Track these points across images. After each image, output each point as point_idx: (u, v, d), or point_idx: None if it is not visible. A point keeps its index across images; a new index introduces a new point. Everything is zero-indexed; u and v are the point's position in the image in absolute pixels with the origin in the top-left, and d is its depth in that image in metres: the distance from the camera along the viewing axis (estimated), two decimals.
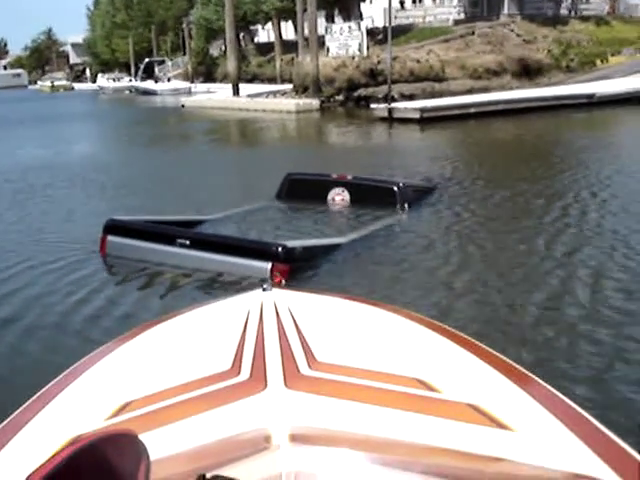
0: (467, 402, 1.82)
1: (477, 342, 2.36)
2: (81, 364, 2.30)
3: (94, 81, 75.68)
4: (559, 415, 1.81)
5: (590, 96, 23.83)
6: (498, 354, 2.27)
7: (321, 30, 33.38)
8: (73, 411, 1.97)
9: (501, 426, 1.72)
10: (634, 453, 1.66)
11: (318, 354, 2.04)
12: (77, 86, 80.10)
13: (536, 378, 2.11)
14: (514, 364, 2.21)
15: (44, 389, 2.15)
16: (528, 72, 31.21)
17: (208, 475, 1.10)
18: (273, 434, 1.55)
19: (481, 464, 1.56)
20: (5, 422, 1.97)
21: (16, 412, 2.03)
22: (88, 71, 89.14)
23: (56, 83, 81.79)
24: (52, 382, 2.19)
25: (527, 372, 2.16)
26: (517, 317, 5.69)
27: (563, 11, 41.47)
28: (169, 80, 55.37)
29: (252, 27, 53.16)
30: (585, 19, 39.98)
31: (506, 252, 7.49)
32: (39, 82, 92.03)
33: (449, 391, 1.88)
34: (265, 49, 48.78)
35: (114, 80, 66.70)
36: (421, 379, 1.92)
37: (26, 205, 11.49)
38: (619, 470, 1.54)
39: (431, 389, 1.88)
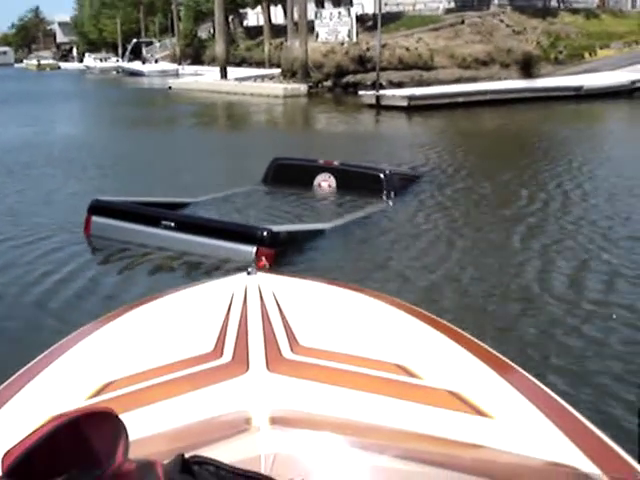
0: (447, 389, 1.83)
1: (459, 329, 2.37)
2: (63, 344, 2.29)
3: (81, 61, 75.19)
4: (538, 404, 1.82)
5: (578, 89, 23.90)
6: (479, 342, 2.28)
7: (311, 15, 33.27)
8: (54, 390, 1.96)
9: (480, 413, 1.72)
10: (611, 443, 1.67)
11: (301, 338, 2.03)
12: (63, 65, 79.60)
13: (516, 367, 2.12)
14: (495, 352, 2.22)
15: (25, 368, 2.14)
16: (525, 66, 31.19)
17: (187, 455, 1.09)
18: (253, 416, 1.55)
19: (460, 450, 1.56)
20: None
21: None
22: (75, 50, 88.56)
23: (42, 62, 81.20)
24: (33, 361, 2.19)
25: (508, 361, 2.17)
26: (498, 304, 5.75)
27: (553, 3, 41.47)
28: (156, 61, 55.10)
29: (241, 10, 52.87)
30: (575, 12, 39.99)
31: (490, 240, 7.55)
32: (25, 60, 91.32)
33: (430, 378, 1.88)
34: (254, 33, 48.54)
35: (101, 60, 66.28)
36: (402, 365, 1.92)
37: (4, 186, 11.38)
38: (596, 459, 1.55)
39: (412, 375, 1.88)
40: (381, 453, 1.41)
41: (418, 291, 5.95)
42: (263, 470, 1.23)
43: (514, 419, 1.75)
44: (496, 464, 1.52)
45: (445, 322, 2.45)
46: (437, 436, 1.58)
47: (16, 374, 2.11)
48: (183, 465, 1.07)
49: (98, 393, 1.84)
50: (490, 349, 2.24)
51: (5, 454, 0.95)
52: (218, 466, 1.07)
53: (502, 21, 35.70)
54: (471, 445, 1.57)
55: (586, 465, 1.52)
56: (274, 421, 1.52)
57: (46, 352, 2.25)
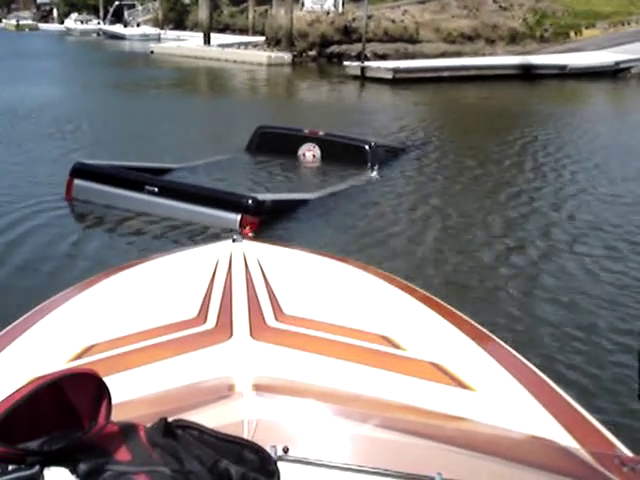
0: (430, 361, 1.84)
1: (443, 303, 2.39)
2: (44, 306, 2.29)
3: (61, 22, 74.07)
4: (520, 377, 1.84)
5: (562, 67, 23.91)
6: (463, 315, 2.30)
7: None
8: (35, 352, 1.96)
9: (462, 386, 1.74)
10: (590, 417, 1.70)
11: (285, 307, 2.04)
12: (43, 26, 78.34)
13: (499, 341, 2.15)
14: (479, 326, 2.25)
15: (5, 330, 2.14)
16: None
17: (170, 419, 1.08)
18: (237, 382, 1.56)
19: (441, 421, 1.57)
20: None
21: None
22: (55, 11, 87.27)
23: (21, 22, 79.93)
24: (14, 323, 2.18)
25: (491, 335, 2.20)
26: (477, 276, 5.83)
27: None
28: (138, 25, 54.41)
29: None
30: None
31: (473, 212, 7.63)
32: (4, 20, 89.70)
33: (413, 349, 1.90)
34: None
35: (82, 22, 65.31)
36: (386, 336, 1.94)
37: None
38: (576, 433, 1.57)
39: (396, 346, 1.89)
40: (363, 422, 1.41)
41: (401, 261, 6.01)
42: (245, 435, 1.24)
43: (495, 392, 1.78)
44: (477, 435, 1.53)
45: (429, 295, 2.47)
46: (419, 407, 1.59)
47: None
48: (166, 429, 1.07)
49: (80, 356, 1.83)
50: (473, 322, 2.27)
51: None
52: (201, 430, 1.07)
53: None
54: (452, 417, 1.59)
55: (565, 439, 1.54)
56: (257, 388, 1.53)
57: (27, 315, 2.24)
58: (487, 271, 5.92)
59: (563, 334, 4.69)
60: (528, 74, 22.89)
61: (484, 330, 2.22)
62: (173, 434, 1.06)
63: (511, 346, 2.12)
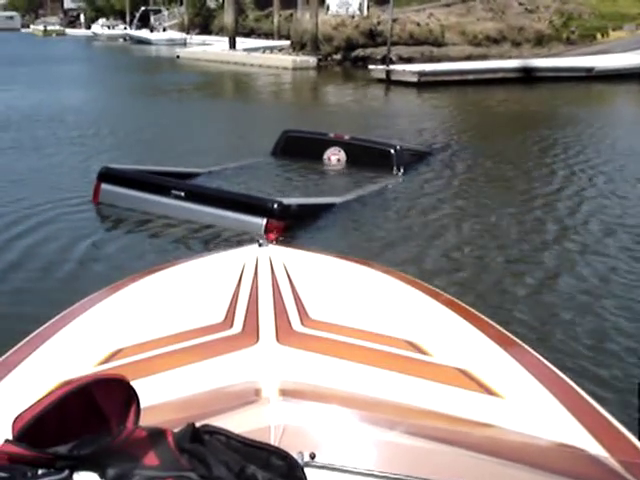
0: (457, 367, 1.83)
1: (467, 306, 2.37)
2: (72, 310, 2.29)
3: (88, 27, 74.63)
4: (547, 384, 1.82)
5: (589, 69, 23.69)
6: (489, 320, 2.28)
7: None
8: (64, 355, 1.96)
9: (489, 392, 1.72)
10: (619, 425, 1.67)
11: (311, 311, 2.04)
12: (70, 32, 79.07)
13: (526, 347, 2.12)
14: (505, 332, 2.22)
15: (34, 333, 2.15)
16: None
17: (197, 424, 1.09)
18: (263, 387, 1.55)
19: (468, 428, 1.56)
20: None
21: (7, 354, 2.02)
22: (82, 17, 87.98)
23: (49, 28, 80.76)
24: (43, 327, 2.19)
25: (518, 340, 2.17)
26: (508, 282, 5.74)
27: None
28: (164, 30, 54.67)
29: None
30: None
31: (499, 216, 7.54)
32: (32, 26, 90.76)
33: (439, 355, 1.88)
34: (264, 4, 47.98)
35: (109, 27, 65.81)
36: (412, 341, 1.93)
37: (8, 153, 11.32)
38: (604, 441, 1.54)
39: (422, 352, 1.88)
40: (389, 428, 1.41)
41: (427, 266, 5.96)
42: (272, 441, 1.24)
43: (522, 398, 1.75)
44: (504, 443, 1.52)
45: (455, 299, 2.45)
46: (445, 413, 1.58)
47: (25, 339, 2.11)
48: (194, 434, 1.07)
49: (107, 360, 1.84)
50: (500, 327, 2.25)
51: (16, 418, 0.95)
52: (228, 436, 1.07)
53: None
54: (479, 423, 1.58)
55: (593, 447, 1.51)
56: (283, 393, 1.52)
57: (55, 318, 2.25)
58: (518, 276, 5.84)
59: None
60: (554, 76, 22.71)
61: (509, 334, 2.20)
62: (201, 439, 1.06)
63: (538, 351, 2.10)
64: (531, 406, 1.72)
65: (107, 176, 7.78)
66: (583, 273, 5.86)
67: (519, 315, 4.91)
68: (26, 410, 0.96)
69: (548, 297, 5.37)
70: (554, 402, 1.73)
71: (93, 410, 1.01)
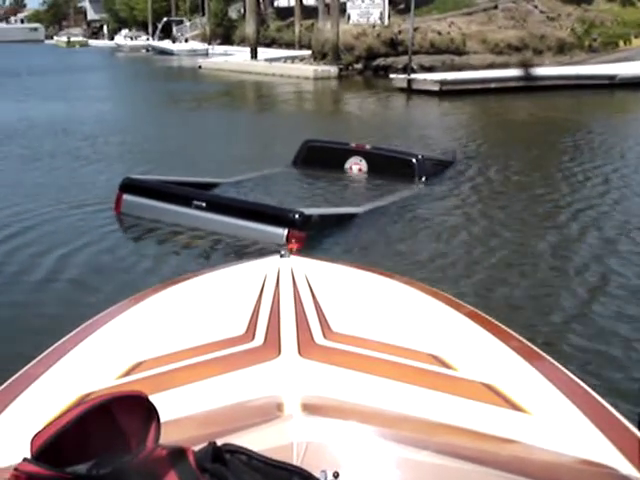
0: (482, 381, 1.80)
1: (490, 318, 2.33)
2: (92, 322, 2.29)
3: (111, 38, 75.38)
4: (575, 399, 1.79)
5: (612, 77, 23.54)
6: (515, 334, 2.24)
7: None
8: (84, 368, 1.96)
9: (516, 408, 1.69)
10: None
11: (333, 324, 2.01)
12: (93, 43, 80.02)
13: (553, 361, 2.08)
14: (531, 345, 2.18)
15: (55, 346, 2.14)
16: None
17: (219, 442, 1.07)
18: (285, 403, 1.53)
19: (494, 445, 1.53)
20: (17, 375, 1.97)
21: (28, 366, 2.02)
22: (105, 28, 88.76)
23: (72, 39, 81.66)
24: (63, 339, 2.19)
25: (544, 354, 2.13)
26: (530, 295, 5.65)
27: None
28: (187, 41, 55.06)
29: None
30: None
31: (523, 229, 7.45)
32: (55, 37, 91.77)
33: (464, 369, 1.85)
34: (284, 14, 48.27)
35: (131, 38, 66.37)
36: (436, 355, 1.90)
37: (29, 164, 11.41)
38: (633, 459, 1.51)
39: (446, 366, 1.85)
40: (414, 446, 1.38)
41: (450, 278, 5.89)
42: (295, 459, 1.21)
43: (550, 414, 1.72)
44: (531, 461, 1.48)
45: (478, 311, 2.41)
46: (471, 429, 1.55)
47: (46, 352, 2.11)
48: (215, 453, 1.04)
49: (128, 373, 1.83)
50: (525, 341, 2.20)
51: (34, 437, 0.93)
52: (250, 455, 1.05)
53: (536, 7, 35.22)
54: (506, 440, 1.54)
55: (623, 465, 1.48)
56: (306, 408, 1.50)
57: (76, 330, 2.24)
58: (539, 296, 5.71)
59: None
60: (577, 84, 22.58)
61: (534, 347, 2.17)
62: (222, 459, 1.04)
63: (564, 365, 2.07)
64: (558, 422, 1.69)
65: (129, 186, 7.82)
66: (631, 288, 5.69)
67: (556, 333, 4.83)
68: (44, 428, 0.95)
69: (591, 316, 5.23)
70: (582, 418, 1.70)
71: (112, 428, 1.00)
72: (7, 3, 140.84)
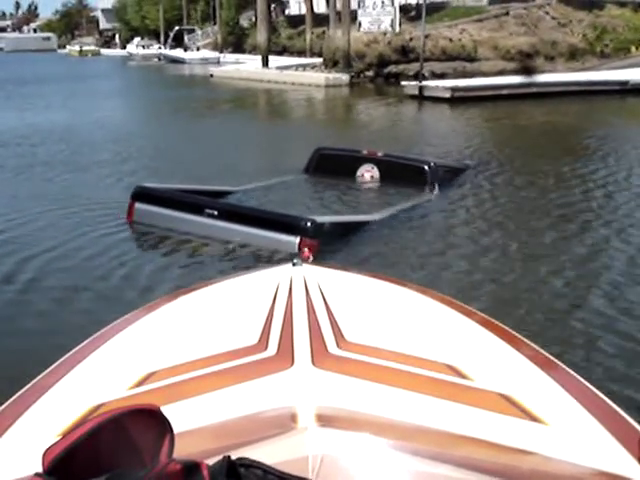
0: (499, 392, 1.77)
1: (504, 326, 2.31)
2: (105, 332, 2.28)
3: (123, 47, 75.85)
4: (593, 410, 1.75)
5: (624, 83, 23.49)
6: (531, 343, 2.21)
7: (353, 4, 33.07)
8: (96, 378, 1.94)
9: (533, 419, 1.66)
10: None
11: (347, 333, 1.98)
12: (105, 52, 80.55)
13: (570, 371, 2.05)
14: (548, 355, 2.15)
15: (66, 356, 2.13)
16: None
17: (233, 456, 1.04)
18: (300, 414, 1.50)
19: (512, 457, 1.50)
20: (28, 386, 1.95)
21: (40, 376, 2.01)
22: (117, 37, 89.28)
23: (84, 48, 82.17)
24: (75, 349, 2.17)
25: (561, 364, 2.10)
26: (546, 304, 5.61)
27: None
28: (198, 49, 55.33)
29: None
30: (622, 4, 39.25)
31: (536, 237, 7.42)
32: (68, 46, 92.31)
33: (481, 379, 1.82)
34: (296, 22, 48.43)
35: (143, 47, 66.71)
36: (452, 365, 1.87)
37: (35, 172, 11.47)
38: None
39: (462, 376, 1.83)
40: (432, 459, 1.35)
41: (464, 286, 5.86)
42: (310, 472, 1.19)
43: (568, 426, 1.69)
44: (550, 472, 1.46)
45: (492, 319, 2.38)
46: (488, 441, 1.52)
47: (57, 362, 2.09)
48: (229, 467, 1.02)
49: (140, 383, 1.81)
50: (542, 351, 2.17)
51: (46, 451, 0.92)
52: (265, 469, 1.03)
53: (547, 13, 35.18)
54: (523, 452, 1.51)
55: None
56: (321, 419, 1.46)
57: (87, 340, 2.23)
58: (555, 304, 5.68)
59: None
60: (588, 90, 22.52)
61: (549, 356, 2.14)
62: (237, 473, 1.03)
63: (581, 375, 2.04)
64: (576, 433, 1.66)
65: (141, 195, 7.84)
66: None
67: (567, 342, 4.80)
68: (56, 443, 0.93)
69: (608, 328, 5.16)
70: (600, 429, 1.67)
71: (125, 442, 0.98)
72: (20, 13, 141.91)
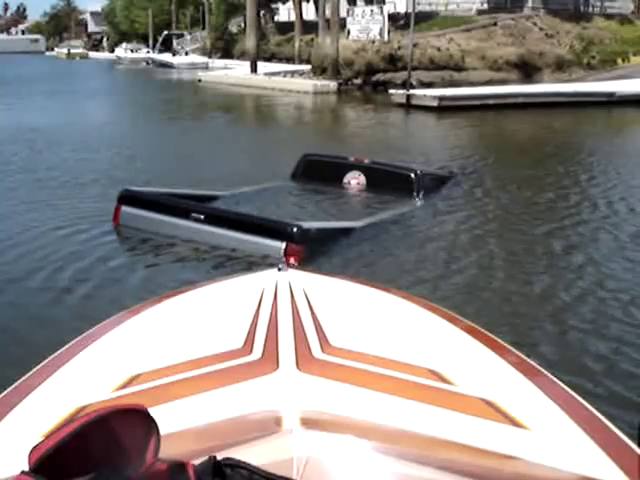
0: (481, 397, 1.78)
1: (488, 333, 2.32)
2: (89, 334, 2.28)
3: (112, 51, 75.67)
4: (574, 416, 1.77)
5: (610, 94, 23.64)
6: (513, 349, 2.23)
7: (342, 12, 33.17)
8: (81, 380, 1.94)
9: (515, 424, 1.68)
10: None
11: (332, 338, 2.00)
12: (93, 55, 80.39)
13: (551, 377, 2.07)
14: (529, 361, 2.17)
15: (51, 357, 2.13)
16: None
17: (219, 457, 1.06)
18: (284, 417, 1.51)
19: (494, 461, 1.52)
20: (12, 387, 1.95)
21: (24, 377, 2.01)
22: (105, 41, 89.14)
23: (72, 51, 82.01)
24: (60, 350, 2.17)
25: (542, 370, 2.12)
26: (528, 309, 5.66)
27: (587, 8, 41.08)
28: (187, 54, 55.31)
29: (273, 5, 52.91)
30: (609, 17, 39.61)
31: (520, 244, 7.46)
32: (56, 49, 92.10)
33: (463, 384, 1.84)
34: (285, 28, 48.52)
35: (132, 51, 66.62)
36: (435, 370, 1.89)
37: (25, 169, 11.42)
38: (633, 476, 1.49)
39: (445, 381, 1.84)
40: (414, 461, 1.36)
41: (447, 293, 5.88)
42: (295, 474, 1.20)
43: (549, 431, 1.70)
44: (531, 477, 1.48)
45: (474, 325, 2.40)
46: (471, 445, 1.53)
47: (42, 363, 2.09)
48: (215, 467, 1.04)
49: (125, 385, 1.81)
50: (524, 357, 2.19)
51: (32, 449, 0.92)
52: (250, 470, 1.04)
53: (535, 24, 35.43)
54: (505, 456, 1.53)
55: None
56: (306, 422, 1.48)
57: (73, 342, 2.23)
58: (538, 310, 5.71)
59: None
60: (575, 102, 22.66)
61: (532, 362, 2.16)
62: (222, 473, 1.04)
63: (562, 380, 2.06)
64: (557, 438, 1.68)
65: (127, 198, 7.82)
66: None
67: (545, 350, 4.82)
68: (43, 441, 0.93)
69: (580, 335, 5.20)
70: (581, 434, 1.69)
71: (112, 441, 0.98)
72: (8, 14, 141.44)
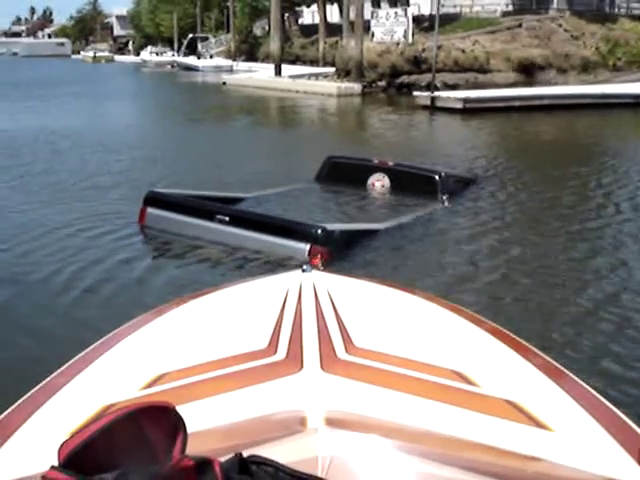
0: (505, 398, 1.78)
1: (511, 334, 2.32)
2: (117, 333, 2.30)
3: (137, 54, 76.22)
4: (598, 418, 1.76)
5: (636, 96, 23.46)
6: (537, 351, 2.22)
7: (367, 15, 33.15)
8: (108, 379, 1.96)
9: (539, 425, 1.67)
10: None
11: (355, 339, 2.00)
12: (119, 58, 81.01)
13: (576, 378, 2.06)
14: (554, 362, 2.16)
15: (79, 356, 2.15)
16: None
17: (245, 454, 1.06)
18: (309, 416, 1.51)
19: (517, 463, 1.51)
20: (40, 385, 1.97)
21: (51, 376, 2.02)
22: (131, 44, 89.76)
23: (98, 54, 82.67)
24: (87, 349, 2.19)
25: (567, 371, 2.11)
26: (555, 315, 5.60)
27: (613, 9, 40.76)
28: (211, 57, 55.54)
29: (297, 8, 53.05)
30: (635, 18, 39.25)
31: (544, 248, 7.40)
32: (82, 52, 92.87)
33: (487, 386, 1.84)
34: (309, 31, 48.59)
35: (157, 54, 67.03)
36: (459, 371, 1.88)
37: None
38: None
39: (469, 382, 1.84)
40: (439, 462, 1.36)
41: (472, 295, 5.84)
42: (319, 473, 1.21)
43: (574, 432, 1.69)
44: (555, 478, 1.47)
45: (499, 327, 2.39)
46: (495, 446, 1.52)
47: (70, 362, 2.11)
48: (241, 464, 1.05)
49: (152, 384, 1.83)
50: (549, 358, 2.18)
51: (62, 445, 0.93)
52: (276, 467, 1.05)
53: (560, 26, 35.19)
54: (529, 457, 1.52)
55: None
56: (330, 422, 1.48)
57: (99, 342, 2.25)
58: (561, 312, 5.67)
59: None
60: (601, 103, 22.49)
61: (556, 364, 2.15)
62: (248, 470, 1.04)
63: (586, 381, 2.05)
64: (582, 440, 1.67)
65: (152, 200, 7.87)
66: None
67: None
68: (72, 436, 0.94)
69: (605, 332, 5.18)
70: (605, 436, 1.68)
71: (139, 438, 0.99)
72: (35, 18, 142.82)
